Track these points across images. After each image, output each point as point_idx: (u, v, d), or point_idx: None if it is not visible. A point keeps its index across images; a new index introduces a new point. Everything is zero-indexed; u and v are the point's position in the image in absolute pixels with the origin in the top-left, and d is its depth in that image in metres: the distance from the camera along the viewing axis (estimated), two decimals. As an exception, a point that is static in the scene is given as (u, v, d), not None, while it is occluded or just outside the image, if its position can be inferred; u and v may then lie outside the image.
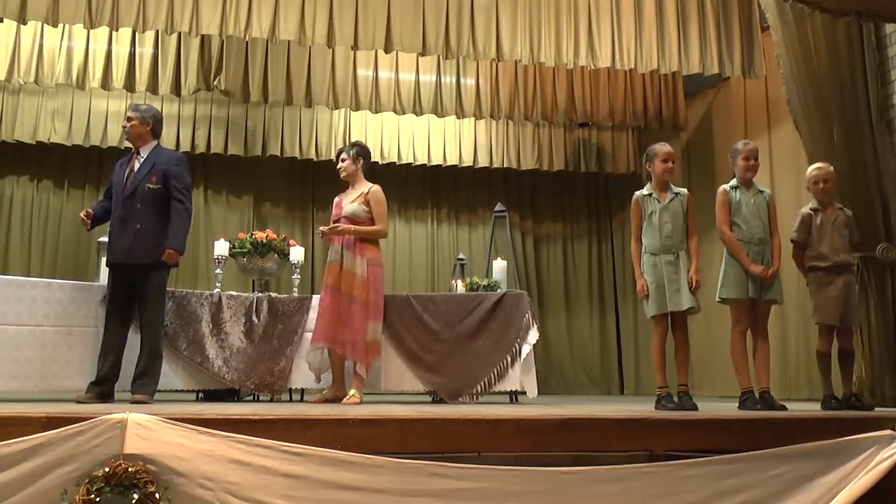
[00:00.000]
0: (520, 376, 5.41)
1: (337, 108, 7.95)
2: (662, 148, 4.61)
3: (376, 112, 8.00)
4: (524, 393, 5.47)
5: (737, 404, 4.42)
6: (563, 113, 8.21)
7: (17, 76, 7.36)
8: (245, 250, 5.92)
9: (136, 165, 4.84)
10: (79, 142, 8.21)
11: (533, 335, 5.47)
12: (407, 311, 5.54)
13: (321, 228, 5.18)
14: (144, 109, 4.96)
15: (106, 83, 7.46)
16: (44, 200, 8.56)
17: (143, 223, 4.70)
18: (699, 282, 4.40)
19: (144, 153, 4.88)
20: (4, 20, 5.97)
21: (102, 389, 4.61)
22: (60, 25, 6.39)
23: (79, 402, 4.41)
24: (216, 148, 8.43)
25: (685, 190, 4.63)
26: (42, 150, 8.38)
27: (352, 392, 4.92)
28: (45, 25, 6.37)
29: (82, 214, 4.95)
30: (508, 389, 5.46)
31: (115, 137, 8.12)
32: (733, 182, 4.61)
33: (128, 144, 4.99)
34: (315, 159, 8.56)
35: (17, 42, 7.33)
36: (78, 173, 8.65)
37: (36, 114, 8.16)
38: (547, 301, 9.44)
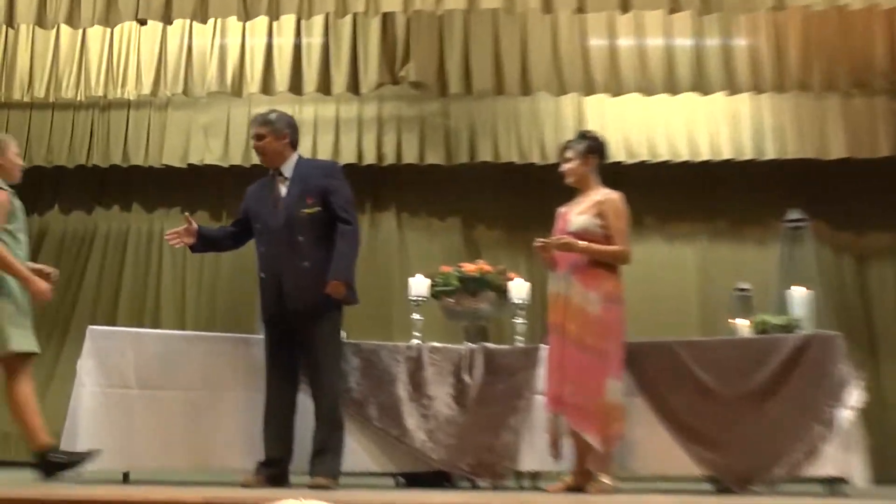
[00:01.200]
0: (839, 455, 5.14)
1: (564, 93, 8.00)
2: None
3: (616, 95, 7.98)
4: (847, 481, 5.20)
5: None
6: (883, 74, 7.76)
7: (163, 88, 8.07)
8: (451, 288, 6.04)
9: (283, 189, 5.15)
10: (237, 161, 8.74)
11: (854, 395, 5.20)
12: (670, 363, 5.46)
13: (538, 240, 5.16)
14: (275, 119, 5.25)
15: (267, 87, 7.97)
16: (199, 236, 9.27)
17: (311, 259, 4.97)
18: None
19: (288, 172, 5.18)
20: (148, 22, 6.57)
21: (273, 471, 4.89)
22: (210, 21, 6.89)
23: (245, 486, 4.71)
24: (409, 157, 8.73)
25: None
26: (195, 173, 9.03)
27: (598, 478, 4.88)
28: (194, 24, 6.94)
29: (178, 230, 5.29)
30: (823, 474, 5.23)
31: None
32: None
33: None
34: (539, 163, 8.62)
35: (162, 48, 8.04)
36: (238, 200, 9.22)
37: (187, 131, 8.84)
38: (880, 345, 8.88)
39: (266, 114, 5.34)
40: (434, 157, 8.75)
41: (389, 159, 8.76)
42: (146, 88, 8.07)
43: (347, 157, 8.47)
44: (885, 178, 9.04)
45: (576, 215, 5.15)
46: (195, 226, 5.32)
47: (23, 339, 5.01)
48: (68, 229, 9.37)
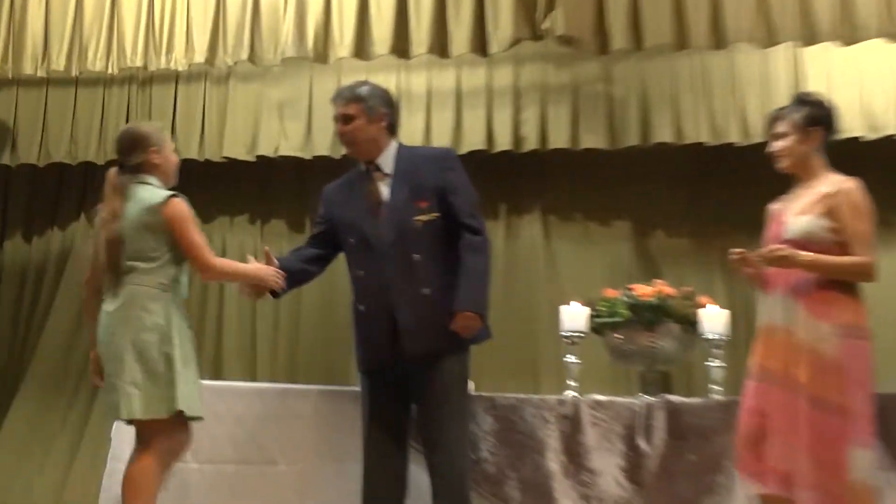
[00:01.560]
0: None
1: (774, 44, 7.89)
2: None
3: (850, 43, 7.80)
4: None
5: None
6: None
7: (222, 55, 8.19)
8: (619, 320, 6.04)
9: (384, 190, 5.13)
10: (324, 151, 8.75)
11: None
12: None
13: (735, 251, 5.07)
14: (367, 94, 5.22)
15: (362, 49, 8.01)
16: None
17: (431, 283, 4.95)
18: None
19: (387, 166, 5.18)
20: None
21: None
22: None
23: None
24: (557, 140, 8.68)
25: None
26: (267, 167, 9.15)
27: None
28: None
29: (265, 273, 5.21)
30: None
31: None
32: None
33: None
34: (740, 143, 8.49)
35: (220, 1, 8.17)
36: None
37: (255, 112, 8.87)
38: None
39: (353, 87, 5.31)
40: (592, 140, 8.65)
41: (531, 143, 8.70)
42: (199, 56, 8.18)
43: (473, 141, 8.48)
44: None
45: (795, 215, 5.02)
46: (276, 263, 5.27)
47: (190, 400, 4.86)
48: (100, 245, 9.57)
